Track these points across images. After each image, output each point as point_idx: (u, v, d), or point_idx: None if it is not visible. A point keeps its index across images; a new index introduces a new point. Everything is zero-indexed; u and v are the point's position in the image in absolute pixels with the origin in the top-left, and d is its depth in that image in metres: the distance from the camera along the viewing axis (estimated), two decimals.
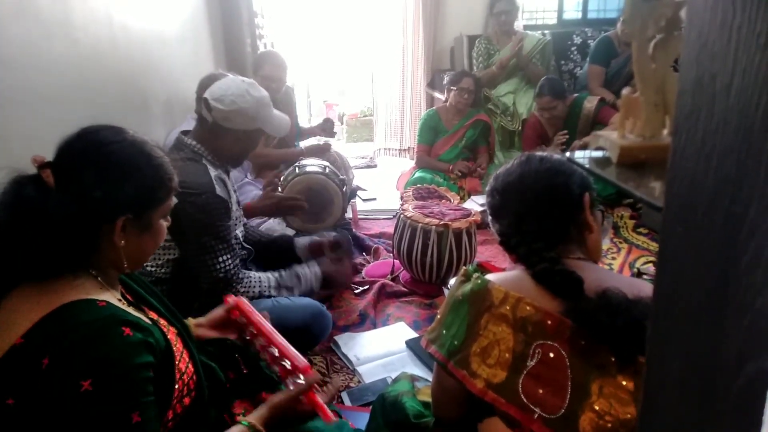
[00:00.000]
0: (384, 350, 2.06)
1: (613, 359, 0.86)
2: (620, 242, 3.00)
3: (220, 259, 1.58)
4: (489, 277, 1.01)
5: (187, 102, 2.39)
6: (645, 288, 0.91)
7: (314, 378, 1.08)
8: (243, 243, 1.85)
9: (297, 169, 2.54)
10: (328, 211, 2.54)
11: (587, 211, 1.04)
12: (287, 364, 1.13)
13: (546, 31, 4.25)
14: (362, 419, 1.41)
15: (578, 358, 0.88)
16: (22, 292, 0.85)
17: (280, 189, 2.40)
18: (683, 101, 0.36)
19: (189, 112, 2.48)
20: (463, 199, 3.41)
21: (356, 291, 2.53)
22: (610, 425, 0.84)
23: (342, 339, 2.13)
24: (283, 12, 5.00)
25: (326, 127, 3.42)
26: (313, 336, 1.80)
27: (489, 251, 3.00)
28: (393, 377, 1.75)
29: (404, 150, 4.99)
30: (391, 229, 2.93)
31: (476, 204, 3.29)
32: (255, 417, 1.02)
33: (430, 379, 1.20)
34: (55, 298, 0.83)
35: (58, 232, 0.83)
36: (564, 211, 1.04)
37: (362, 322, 2.27)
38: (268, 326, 1.20)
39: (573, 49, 4.32)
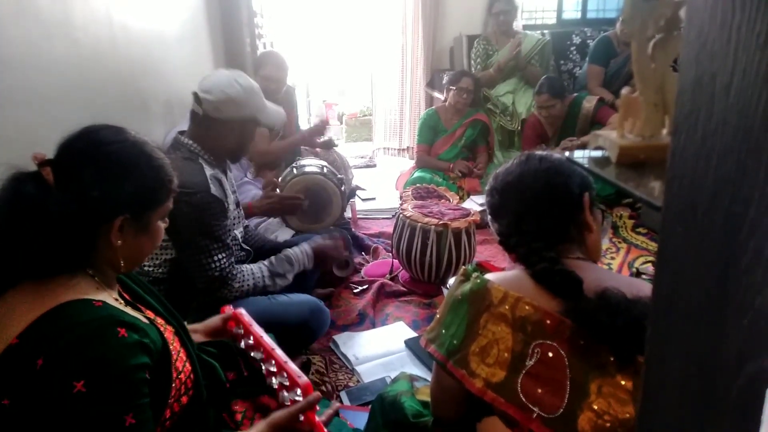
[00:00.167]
0: (383, 350, 2.06)
1: (612, 359, 0.86)
2: (619, 242, 3.00)
3: (215, 258, 1.58)
4: (488, 276, 1.01)
5: (187, 102, 2.37)
6: (644, 288, 0.91)
7: (315, 398, 1.06)
8: (242, 244, 1.85)
9: (295, 169, 2.54)
10: (327, 211, 2.54)
11: (587, 211, 1.04)
12: (285, 380, 1.12)
13: (545, 31, 4.25)
14: (361, 419, 1.41)
15: (577, 358, 0.88)
16: (18, 292, 0.84)
17: (278, 189, 2.40)
18: (683, 101, 0.36)
19: (188, 112, 2.48)
20: (462, 199, 3.41)
21: (355, 290, 2.53)
22: (608, 425, 0.84)
23: (341, 338, 2.13)
24: (282, 12, 5.00)
25: (315, 131, 3.18)
26: (312, 331, 1.79)
27: (488, 251, 3.00)
28: (392, 377, 1.75)
29: (403, 150, 4.99)
30: (390, 229, 2.93)
31: (475, 204, 3.29)
32: None
33: (429, 378, 1.20)
34: (51, 298, 0.83)
35: (57, 231, 0.83)
36: (563, 210, 1.04)
37: (361, 322, 2.27)
38: (267, 340, 1.19)
39: (572, 48, 4.33)
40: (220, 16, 3.44)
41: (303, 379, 1.09)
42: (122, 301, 0.95)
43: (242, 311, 1.27)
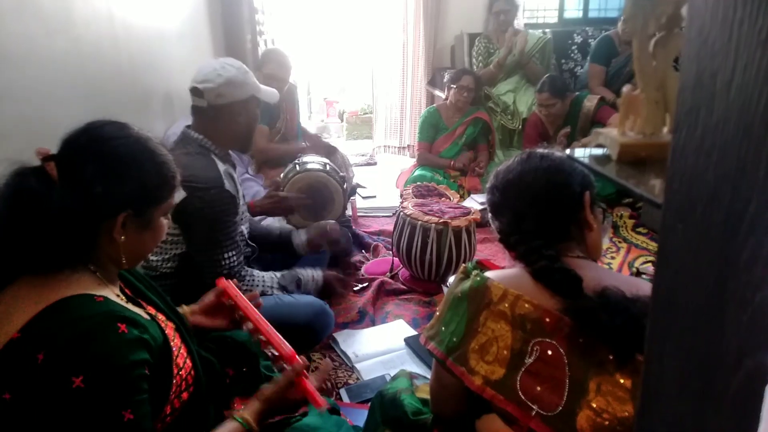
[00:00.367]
0: (383, 347, 2.06)
1: (612, 357, 0.86)
2: (619, 242, 3.00)
3: (226, 255, 1.58)
4: (488, 274, 1.01)
5: (187, 98, 2.38)
6: (644, 287, 0.91)
7: (300, 365, 1.07)
8: (248, 241, 1.85)
9: (298, 166, 2.54)
10: (328, 208, 2.54)
11: (587, 210, 1.04)
12: (274, 350, 1.12)
13: (547, 30, 4.24)
14: (361, 416, 1.41)
15: (576, 356, 0.88)
16: (20, 286, 0.85)
17: (281, 186, 2.40)
18: (684, 98, 0.36)
19: (188, 108, 2.47)
20: (462, 198, 3.41)
21: (355, 288, 2.53)
22: (607, 423, 0.84)
23: (341, 336, 2.13)
24: (283, 8, 4.99)
25: (315, 144, 3.19)
26: (316, 334, 1.80)
27: (488, 249, 3.00)
28: (392, 374, 1.75)
29: (404, 148, 4.99)
30: (390, 227, 2.93)
31: (476, 202, 3.29)
32: (248, 412, 1.01)
33: (429, 376, 1.20)
34: (53, 293, 0.83)
35: (60, 226, 0.83)
36: (564, 209, 1.04)
37: (361, 320, 2.27)
38: (254, 312, 1.18)
39: (574, 48, 4.32)
40: (221, 13, 3.44)
41: (287, 348, 1.09)
42: (123, 297, 0.95)
43: (230, 284, 1.25)
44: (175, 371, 0.95)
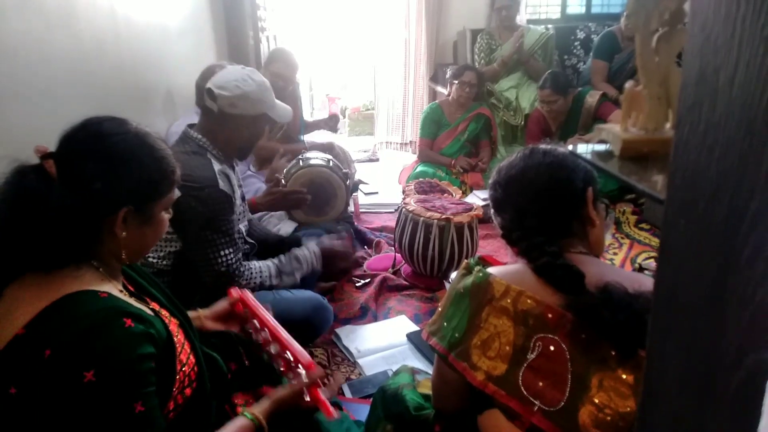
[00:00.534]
0: (385, 343, 2.07)
1: (614, 353, 0.86)
2: (622, 237, 3.00)
3: (222, 253, 1.59)
4: (490, 270, 1.01)
5: (189, 95, 2.38)
6: (646, 282, 0.91)
7: (318, 374, 1.08)
8: (246, 238, 1.86)
9: (300, 161, 2.54)
10: (331, 204, 2.54)
11: (590, 206, 1.04)
12: (290, 359, 1.13)
13: (549, 26, 4.23)
14: (363, 411, 1.42)
15: (578, 352, 0.88)
16: (24, 283, 0.85)
17: (283, 181, 2.40)
18: (686, 93, 0.36)
19: (190, 105, 2.48)
20: (465, 194, 3.40)
21: (358, 284, 2.53)
22: (609, 418, 0.84)
23: (343, 331, 2.14)
24: (286, 5, 4.98)
25: (331, 123, 3.42)
26: (315, 328, 1.80)
27: (491, 246, 3.00)
28: (394, 370, 1.76)
29: (406, 144, 4.98)
30: (392, 223, 2.93)
31: (478, 198, 3.28)
32: (258, 410, 1.02)
33: (431, 371, 1.20)
34: (56, 289, 0.83)
35: (61, 223, 0.84)
36: (567, 205, 1.04)
37: (363, 315, 2.28)
38: (272, 320, 1.20)
39: (576, 44, 4.31)
40: (223, 9, 3.44)
41: (306, 357, 1.10)
42: (127, 293, 0.95)
43: (248, 293, 1.27)
44: (179, 367, 0.95)
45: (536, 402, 0.89)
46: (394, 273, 2.66)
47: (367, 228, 3.20)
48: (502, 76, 3.94)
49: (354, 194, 3.24)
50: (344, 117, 6.60)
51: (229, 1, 3.43)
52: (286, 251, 1.82)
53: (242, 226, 1.80)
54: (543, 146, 1.09)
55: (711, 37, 0.34)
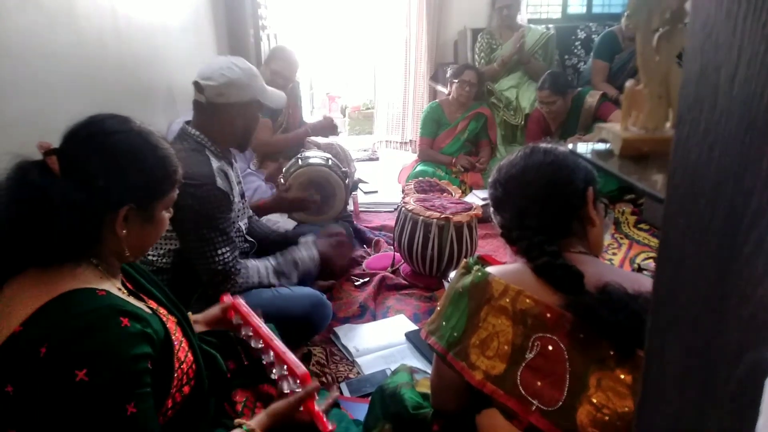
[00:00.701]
0: (384, 342, 2.07)
1: (612, 353, 0.86)
2: (621, 238, 3.00)
3: (219, 252, 1.58)
4: (489, 269, 1.01)
5: (190, 93, 2.37)
6: (645, 283, 0.91)
7: (314, 387, 1.08)
8: (245, 236, 1.85)
9: (300, 160, 2.54)
10: (330, 203, 2.54)
11: (590, 206, 1.03)
12: (284, 370, 1.12)
13: (550, 26, 4.22)
14: (361, 410, 1.42)
15: (577, 351, 0.88)
16: (23, 280, 0.85)
17: (282, 180, 2.40)
18: (687, 92, 0.36)
19: (191, 103, 2.48)
20: (464, 193, 3.40)
21: (357, 283, 2.53)
22: (607, 418, 0.84)
23: (342, 330, 2.14)
24: (286, 3, 4.98)
25: (331, 130, 3.29)
26: (313, 325, 1.80)
27: (490, 245, 3.00)
28: (392, 369, 1.76)
29: (406, 143, 4.98)
30: (392, 222, 2.93)
31: (478, 198, 3.28)
32: (255, 423, 1.02)
33: (429, 371, 1.20)
34: (55, 287, 0.83)
35: (62, 220, 0.83)
36: (567, 205, 1.03)
37: (362, 314, 2.28)
38: (265, 330, 1.19)
39: (577, 43, 4.31)
40: (224, 7, 3.44)
41: (301, 369, 1.09)
42: (125, 291, 0.95)
43: (241, 301, 1.27)
44: (177, 365, 0.95)
45: (534, 401, 0.89)
46: (393, 272, 2.66)
47: (367, 227, 3.20)
48: (503, 75, 3.94)
49: (353, 193, 3.24)
50: (344, 116, 6.60)
51: None
52: (282, 248, 1.82)
53: (242, 224, 1.79)
54: (544, 145, 1.09)
55: (712, 35, 0.34)
